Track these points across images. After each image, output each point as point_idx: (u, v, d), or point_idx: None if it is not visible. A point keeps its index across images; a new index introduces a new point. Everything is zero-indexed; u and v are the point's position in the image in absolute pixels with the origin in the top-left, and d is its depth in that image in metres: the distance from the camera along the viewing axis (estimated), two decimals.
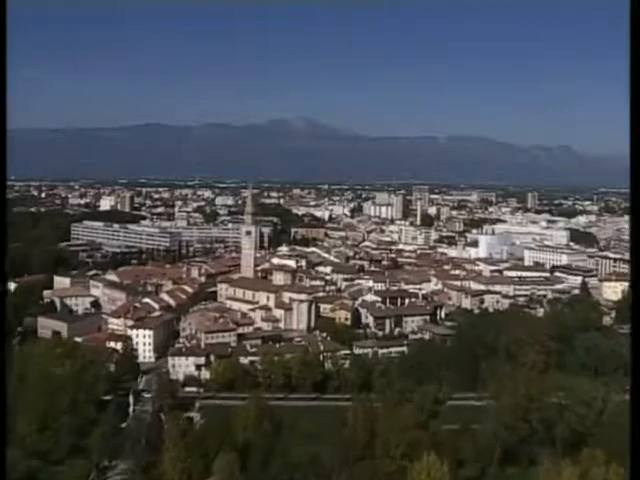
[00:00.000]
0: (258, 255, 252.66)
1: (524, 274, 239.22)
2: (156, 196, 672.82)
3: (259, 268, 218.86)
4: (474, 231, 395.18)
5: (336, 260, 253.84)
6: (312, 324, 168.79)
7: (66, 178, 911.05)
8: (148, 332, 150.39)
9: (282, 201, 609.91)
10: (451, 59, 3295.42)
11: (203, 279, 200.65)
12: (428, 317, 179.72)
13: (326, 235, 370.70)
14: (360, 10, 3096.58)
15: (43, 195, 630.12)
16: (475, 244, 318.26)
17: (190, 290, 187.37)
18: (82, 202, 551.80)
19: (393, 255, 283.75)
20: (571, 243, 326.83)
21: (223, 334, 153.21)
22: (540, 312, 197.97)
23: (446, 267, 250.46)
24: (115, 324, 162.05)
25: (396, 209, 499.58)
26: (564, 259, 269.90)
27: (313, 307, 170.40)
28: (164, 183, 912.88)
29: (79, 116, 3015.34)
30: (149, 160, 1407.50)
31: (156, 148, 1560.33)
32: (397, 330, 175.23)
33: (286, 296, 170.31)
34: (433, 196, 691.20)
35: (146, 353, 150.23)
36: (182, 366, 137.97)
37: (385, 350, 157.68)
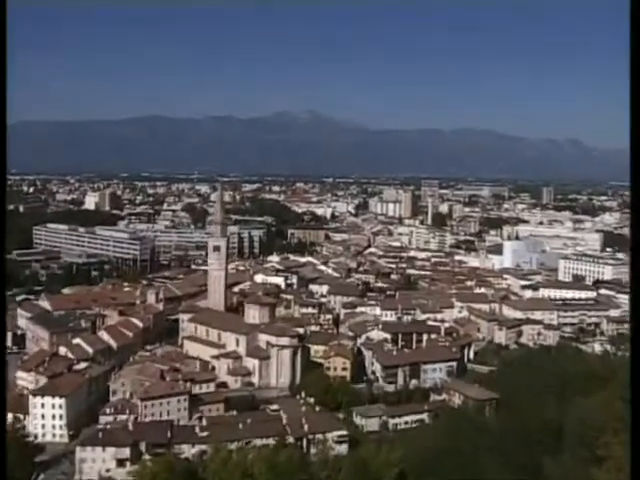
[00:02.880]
0: (241, 268, 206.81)
1: (565, 293, 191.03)
2: (151, 191, 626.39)
3: (237, 289, 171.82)
4: (492, 232, 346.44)
5: (335, 274, 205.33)
6: (297, 378, 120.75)
7: (65, 172, 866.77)
8: (59, 400, 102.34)
9: (282, 197, 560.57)
10: (455, 52, 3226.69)
11: (161, 306, 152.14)
12: (455, 363, 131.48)
13: (327, 237, 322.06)
14: (365, 4, 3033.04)
15: (31, 190, 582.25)
16: (497, 250, 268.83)
17: (140, 324, 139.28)
18: (69, 198, 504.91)
19: (404, 265, 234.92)
20: (608, 249, 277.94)
21: (169, 399, 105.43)
22: (596, 348, 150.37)
23: (469, 283, 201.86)
24: (24, 381, 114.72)
25: (405, 206, 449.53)
26: (608, 272, 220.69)
27: (299, 354, 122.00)
28: (165, 177, 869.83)
29: (83, 109, 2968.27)
30: (152, 153, 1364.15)
31: (159, 141, 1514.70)
32: (413, 382, 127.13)
33: (262, 339, 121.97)
34: (442, 191, 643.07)
35: (56, 431, 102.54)
36: (97, 460, 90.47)
37: (398, 419, 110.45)
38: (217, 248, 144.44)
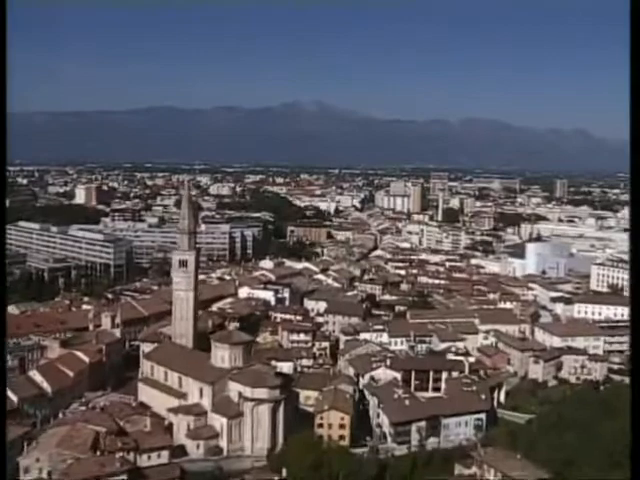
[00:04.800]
0: (227, 277, 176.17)
1: (606, 310, 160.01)
2: (150, 183, 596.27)
3: (217, 307, 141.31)
4: (509, 230, 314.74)
5: (335, 284, 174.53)
6: (279, 442, 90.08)
7: (68, 163, 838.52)
8: None
9: (285, 189, 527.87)
10: (462, 43, 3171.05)
11: (118, 332, 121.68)
12: (484, 415, 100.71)
13: (329, 236, 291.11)
14: None
15: (25, 182, 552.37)
16: (518, 252, 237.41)
17: (86, 359, 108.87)
18: (61, 191, 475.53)
19: (414, 271, 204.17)
20: None
21: None
22: None
23: (492, 295, 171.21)
24: None
25: (413, 200, 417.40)
26: None
27: (281, 409, 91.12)
28: (168, 168, 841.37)
29: (90, 100, 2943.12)
30: (158, 144, 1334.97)
31: (166, 131, 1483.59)
32: (432, 441, 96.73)
33: (234, 389, 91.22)
34: (451, 183, 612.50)
35: None
36: None
37: None
38: (184, 263, 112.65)
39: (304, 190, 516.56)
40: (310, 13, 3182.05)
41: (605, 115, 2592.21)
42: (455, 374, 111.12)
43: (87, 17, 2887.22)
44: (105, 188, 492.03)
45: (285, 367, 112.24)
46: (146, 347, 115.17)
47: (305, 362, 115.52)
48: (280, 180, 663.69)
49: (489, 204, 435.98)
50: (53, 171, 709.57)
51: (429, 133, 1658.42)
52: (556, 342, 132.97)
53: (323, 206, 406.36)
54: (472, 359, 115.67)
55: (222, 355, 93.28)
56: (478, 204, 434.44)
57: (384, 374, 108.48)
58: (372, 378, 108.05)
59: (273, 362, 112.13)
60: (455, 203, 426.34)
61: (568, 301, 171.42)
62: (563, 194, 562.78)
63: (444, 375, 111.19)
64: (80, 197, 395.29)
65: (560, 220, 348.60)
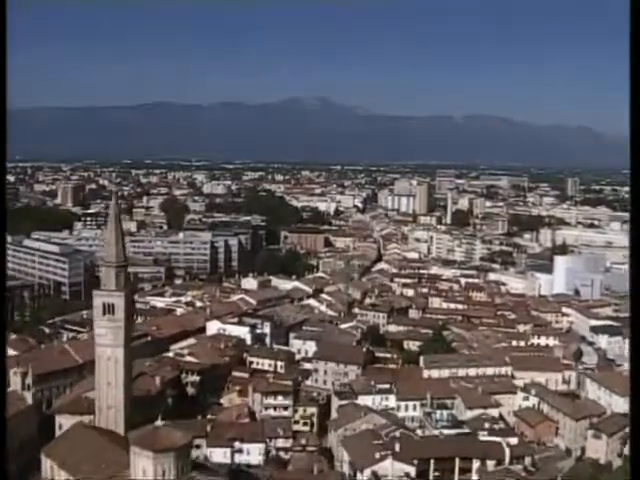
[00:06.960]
0: (199, 303, 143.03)
1: None
2: (144, 180, 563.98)
3: (173, 350, 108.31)
4: (526, 236, 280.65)
5: (330, 312, 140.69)
6: None
7: (63, 159, 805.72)
8: None
9: (284, 187, 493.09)
10: (464, 38, 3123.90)
11: (29, 397, 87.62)
12: None
13: (327, 244, 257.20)
14: None
15: (12, 179, 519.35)
16: (541, 264, 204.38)
17: None
18: (47, 189, 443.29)
19: (425, 289, 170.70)
20: None
21: None
22: None
23: (521, 327, 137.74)
24: None
25: (419, 200, 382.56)
26: None
27: None
28: (167, 164, 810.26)
29: (93, 95, 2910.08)
30: (159, 140, 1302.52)
31: (168, 127, 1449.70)
32: None
33: None
34: (458, 181, 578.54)
35: None
36: None
37: None
38: (110, 308, 78.20)
39: (303, 188, 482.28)
40: (311, 10, 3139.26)
41: (607, 111, 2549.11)
42: (491, 464, 78.01)
43: (87, 14, 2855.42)
44: (94, 187, 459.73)
45: (253, 450, 79.51)
46: (64, 420, 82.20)
47: (281, 443, 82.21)
48: (280, 177, 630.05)
49: (500, 204, 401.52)
50: (46, 168, 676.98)
51: (432, 129, 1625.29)
52: (617, 402, 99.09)
53: (322, 206, 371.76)
54: (514, 440, 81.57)
55: (144, 467, 59.52)
56: (488, 204, 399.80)
57: (391, 468, 75.15)
58: (375, 475, 74.75)
59: (237, 444, 79.68)
60: (464, 203, 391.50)
61: (613, 332, 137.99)
62: (575, 193, 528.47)
63: (475, 464, 78.27)
64: (60, 197, 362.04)
65: (583, 225, 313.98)
